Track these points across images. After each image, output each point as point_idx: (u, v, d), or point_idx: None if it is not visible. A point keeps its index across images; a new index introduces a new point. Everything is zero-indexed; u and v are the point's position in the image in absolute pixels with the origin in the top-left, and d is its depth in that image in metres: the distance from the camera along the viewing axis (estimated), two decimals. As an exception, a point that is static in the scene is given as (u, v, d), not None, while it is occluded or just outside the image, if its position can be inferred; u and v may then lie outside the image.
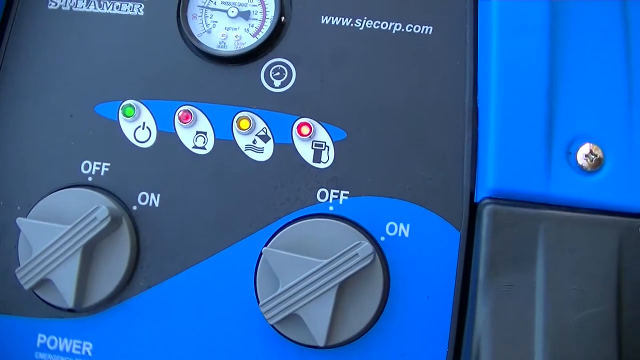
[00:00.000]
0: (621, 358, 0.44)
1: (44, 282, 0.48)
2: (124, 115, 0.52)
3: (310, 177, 0.50)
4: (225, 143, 0.51)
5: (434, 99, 0.50)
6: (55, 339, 0.51)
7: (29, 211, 0.50)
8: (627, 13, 0.48)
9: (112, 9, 0.54)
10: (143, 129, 0.52)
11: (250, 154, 0.51)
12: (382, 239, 0.49)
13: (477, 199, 0.48)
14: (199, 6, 0.53)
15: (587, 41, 0.48)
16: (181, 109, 0.51)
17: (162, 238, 0.50)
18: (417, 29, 0.51)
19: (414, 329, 0.48)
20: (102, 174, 0.51)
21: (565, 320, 0.44)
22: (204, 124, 0.51)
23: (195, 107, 0.51)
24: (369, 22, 0.52)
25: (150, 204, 0.51)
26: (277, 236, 0.49)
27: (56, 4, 0.54)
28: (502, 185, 0.47)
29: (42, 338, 0.51)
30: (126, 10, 0.54)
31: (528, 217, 0.46)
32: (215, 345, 0.49)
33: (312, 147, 0.50)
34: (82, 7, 0.54)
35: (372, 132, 0.50)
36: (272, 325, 0.47)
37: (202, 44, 0.52)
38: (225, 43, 0.52)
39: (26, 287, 0.48)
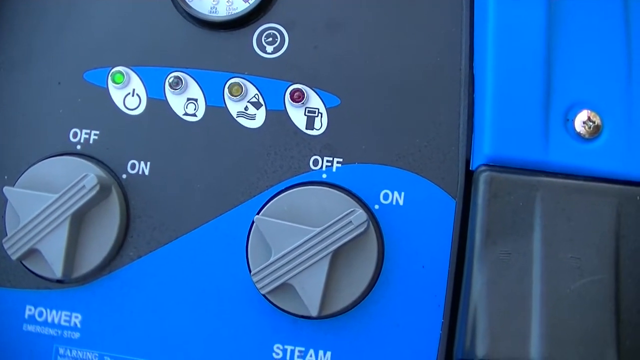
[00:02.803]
0: (619, 326, 0.43)
1: (32, 252, 0.48)
2: (114, 82, 0.51)
3: (303, 144, 0.49)
4: (216, 110, 0.50)
5: (429, 65, 0.49)
6: (43, 310, 0.50)
7: (17, 180, 0.49)
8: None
9: (101, -25, 0.53)
10: (133, 96, 0.51)
11: (242, 120, 0.50)
12: (377, 207, 0.48)
13: (473, 166, 0.47)
14: (190, -28, 0.52)
15: (585, 7, 0.47)
16: (171, 75, 0.50)
17: (152, 207, 0.50)
18: (412, -6, 0.50)
19: (408, 298, 0.48)
20: (91, 142, 0.50)
21: (563, 288, 0.44)
22: (194, 90, 0.50)
23: (186, 73, 0.50)
24: (364, -14, 0.51)
25: (140, 173, 0.50)
26: (269, 204, 0.48)
27: (44, -30, 0.53)
28: (499, 152, 0.46)
29: (30, 310, 0.50)
30: (115, -25, 0.53)
31: (525, 184, 0.45)
32: (206, 315, 0.49)
33: (305, 114, 0.50)
34: (71, -27, 0.53)
35: (366, 98, 0.49)
36: (264, 295, 0.47)
37: (193, 9, 0.51)
38: (216, 8, 0.51)
39: (13, 257, 0.47)
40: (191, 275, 0.49)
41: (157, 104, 0.50)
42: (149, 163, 0.50)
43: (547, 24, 0.47)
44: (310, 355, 0.48)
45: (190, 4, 0.51)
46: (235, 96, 0.50)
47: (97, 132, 0.50)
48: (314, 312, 0.46)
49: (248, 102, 0.50)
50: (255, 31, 0.51)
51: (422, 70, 0.49)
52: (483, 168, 0.46)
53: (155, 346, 0.49)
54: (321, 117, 0.49)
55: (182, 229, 0.49)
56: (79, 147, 0.50)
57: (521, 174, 0.45)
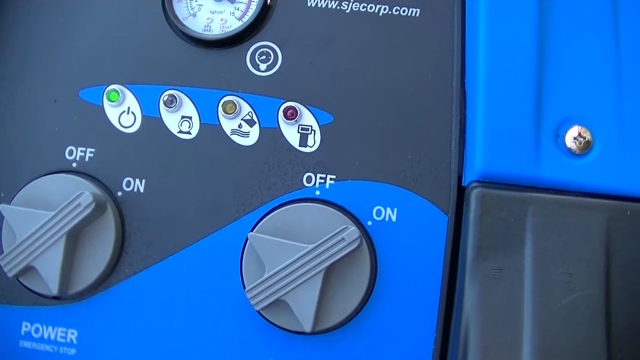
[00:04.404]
0: (610, 340, 0.43)
1: (28, 269, 0.48)
2: (109, 100, 0.51)
3: (296, 161, 0.50)
4: (210, 127, 0.50)
5: (421, 82, 0.50)
6: (39, 326, 0.50)
7: (13, 197, 0.49)
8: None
9: (97, -7, 0.53)
10: (128, 113, 0.51)
11: (236, 138, 0.50)
12: (369, 223, 0.49)
13: (465, 182, 0.48)
14: (184, -10, 0.53)
15: (576, 23, 0.48)
16: (166, 93, 0.51)
17: (147, 224, 0.50)
18: (404, 11, 0.51)
19: (401, 314, 0.48)
20: (87, 159, 0.51)
21: (554, 303, 0.44)
22: (189, 108, 0.51)
23: (180, 91, 0.51)
24: (356, 5, 0.51)
25: (135, 190, 0.50)
26: (263, 221, 0.48)
27: (40, -12, 0.54)
28: (490, 168, 0.46)
29: (26, 326, 0.50)
30: (111, -6, 0.53)
31: (516, 200, 0.45)
32: (201, 331, 0.49)
33: (298, 131, 0.50)
34: (67, -9, 0.53)
35: (358, 115, 0.50)
36: (259, 312, 0.47)
37: (188, 27, 0.51)
38: (210, 27, 0.52)
39: (10, 274, 0.48)
40: (186, 291, 0.49)
41: (152, 122, 0.51)
42: (144, 180, 0.50)
43: (538, 40, 0.47)
44: (305, 371, 0.48)
45: (184, 22, 0.51)
46: (229, 114, 0.50)
47: (93, 150, 0.51)
48: (307, 328, 0.46)
49: (242, 119, 0.50)
50: (249, 49, 0.51)
51: (414, 87, 0.50)
52: (475, 184, 0.46)
53: (150, 362, 0.49)
54: (314, 134, 0.50)
55: (177, 245, 0.50)
56: (74, 164, 0.51)
57: (512, 190, 0.46)
